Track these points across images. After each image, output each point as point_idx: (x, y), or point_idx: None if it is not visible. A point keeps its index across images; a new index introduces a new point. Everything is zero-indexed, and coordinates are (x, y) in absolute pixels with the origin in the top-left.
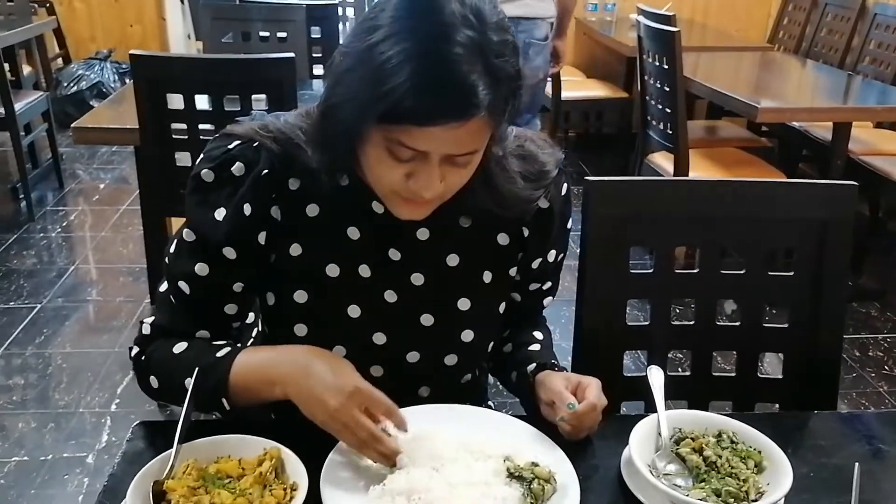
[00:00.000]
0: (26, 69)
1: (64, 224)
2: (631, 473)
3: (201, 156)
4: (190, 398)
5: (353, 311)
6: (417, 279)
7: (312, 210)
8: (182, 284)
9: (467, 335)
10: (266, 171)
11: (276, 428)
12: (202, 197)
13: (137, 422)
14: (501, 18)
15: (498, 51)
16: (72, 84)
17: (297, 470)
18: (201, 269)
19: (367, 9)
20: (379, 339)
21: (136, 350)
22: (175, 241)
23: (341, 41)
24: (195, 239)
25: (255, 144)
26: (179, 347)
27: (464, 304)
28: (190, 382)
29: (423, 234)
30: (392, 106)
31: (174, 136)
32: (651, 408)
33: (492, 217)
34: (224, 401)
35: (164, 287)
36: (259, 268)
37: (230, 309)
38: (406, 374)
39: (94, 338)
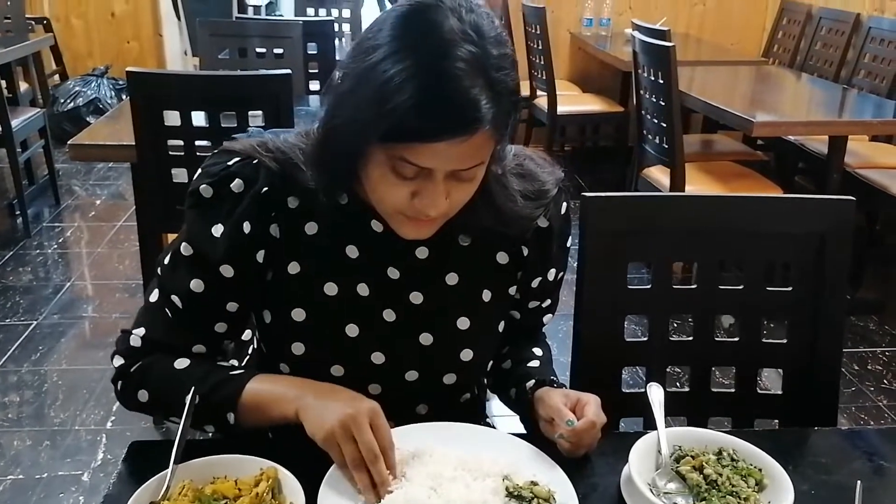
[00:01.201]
0: (23, 86)
1: (60, 240)
2: (631, 492)
3: (199, 171)
4: (187, 416)
5: (352, 330)
6: (416, 298)
7: (311, 228)
8: (175, 298)
9: (466, 354)
10: (266, 188)
11: (274, 448)
12: (200, 212)
13: (133, 441)
14: (500, 33)
15: (498, 65)
16: (68, 100)
17: (293, 490)
18: (196, 285)
19: (363, 25)
20: (377, 358)
21: (120, 361)
22: (170, 252)
23: (337, 57)
24: (192, 254)
25: (254, 162)
26: (181, 363)
27: (463, 323)
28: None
29: (422, 252)
30: (396, 124)
31: (171, 153)
32: (650, 424)
33: (491, 236)
34: (230, 415)
35: (154, 297)
36: (256, 286)
37: (220, 327)
38: (404, 392)
39: (90, 354)
